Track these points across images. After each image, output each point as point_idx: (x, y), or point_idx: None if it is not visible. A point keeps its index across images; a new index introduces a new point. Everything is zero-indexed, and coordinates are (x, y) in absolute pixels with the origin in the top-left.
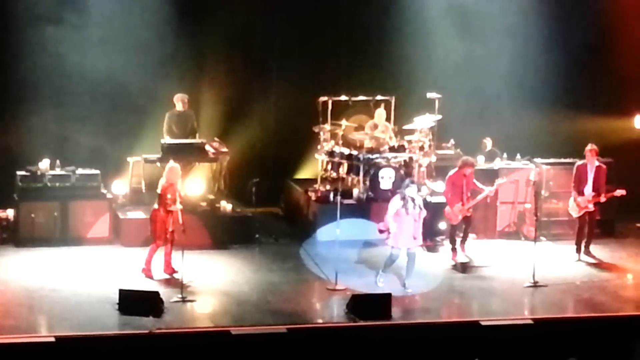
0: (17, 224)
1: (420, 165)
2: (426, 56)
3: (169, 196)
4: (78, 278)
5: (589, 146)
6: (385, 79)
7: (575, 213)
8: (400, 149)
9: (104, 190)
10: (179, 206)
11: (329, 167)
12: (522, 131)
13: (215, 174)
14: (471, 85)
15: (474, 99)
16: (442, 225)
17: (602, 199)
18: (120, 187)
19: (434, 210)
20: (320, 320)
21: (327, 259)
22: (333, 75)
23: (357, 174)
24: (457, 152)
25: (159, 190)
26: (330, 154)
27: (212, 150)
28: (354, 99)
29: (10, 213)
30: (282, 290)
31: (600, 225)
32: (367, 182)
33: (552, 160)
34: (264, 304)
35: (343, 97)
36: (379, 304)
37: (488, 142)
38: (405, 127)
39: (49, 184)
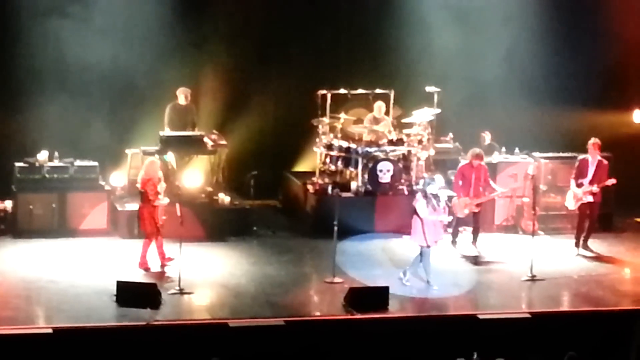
0: (15, 215)
1: (418, 159)
2: (425, 49)
3: (149, 190)
4: (76, 270)
5: (592, 140)
6: (384, 72)
7: (571, 205)
8: (399, 142)
9: (102, 182)
10: (165, 200)
11: (328, 160)
12: (521, 125)
13: (213, 166)
14: (470, 79)
15: (473, 93)
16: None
17: (595, 188)
18: (118, 179)
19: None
20: (317, 313)
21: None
22: (332, 68)
23: (356, 167)
24: (455, 146)
25: (138, 186)
26: (329, 147)
27: (210, 143)
28: (352, 92)
29: (8, 204)
30: (280, 282)
31: (599, 220)
32: (366, 176)
33: (550, 154)
34: (262, 296)
35: (342, 90)
36: (376, 296)
37: (487, 136)
38: (404, 120)
39: (47, 176)
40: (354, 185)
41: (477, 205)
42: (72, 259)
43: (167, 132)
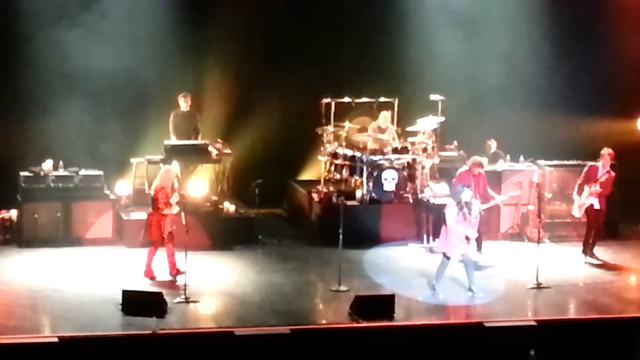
0: (20, 224)
1: (423, 167)
2: (429, 58)
3: (160, 199)
4: (81, 278)
5: (607, 150)
6: (389, 81)
7: (577, 213)
8: (404, 150)
9: (107, 191)
10: (174, 209)
11: (332, 168)
12: (526, 133)
13: (218, 175)
14: (474, 86)
15: (478, 101)
16: None
17: (593, 188)
18: (123, 188)
19: (437, 212)
20: (323, 321)
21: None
22: (336, 77)
23: (360, 176)
24: (460, 154)
25: (151, 192)
26: (334, 155)
27: (215, 152)
28: (357, 100)
29: (13, 214)
30: (285, 291)
31: (604, 227)
32: (370, 184)
33: (555, 162)
34: (267, 304)
35: (346, 99)
36: (382, 304)
37: (492, 144)
38: (409, 129)
39: (52, 185)
40: (358, 193)
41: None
42: (78, 268)
43: (172, 141)
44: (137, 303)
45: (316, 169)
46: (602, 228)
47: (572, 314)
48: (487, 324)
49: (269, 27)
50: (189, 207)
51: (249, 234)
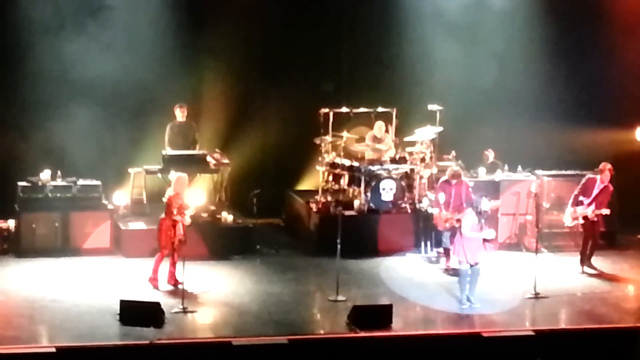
0: (18, 234)
1: (421, 177)
2: (427, 68)
3: (174, 205)
4: (79, 289)
5: (606, 165)
6: (387, 91)
7: (568, 222)
8: (402, 160)
9: (105, 201)
10: (187, 220)
11: (330, 178)
12: (524, 143)
13: (216, 185)
14: (472, 97)
15: (475, 111)
16: (445, 237)
17: (591, 214)
18: (121, 198)
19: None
20: (321, 331)
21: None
22: (334, 87)
23: (359, 186)
24: (458, 164)
25: (165, 200)
26: (332, 165)
27: (213, 162)
28: (355, 110)
29: (11, 223)
30: (283, 301)
31: (602, 237)
32: (369, 194)
33: (553, 172)
34: (265, 314)
35: (344, 109)
36: (380, 314)
37: (490, 154)
38: (407, 139)
39: (50, 195)
40: (356, 203)
41: (457, 220)
42: (75, 278)
43: (170, 151)
44: (134, 313)
45: (314, 179)
46: (598, 238)
47: (570, 324)
48: (485, 334)
49: (267, 38)
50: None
51: (247, 244)
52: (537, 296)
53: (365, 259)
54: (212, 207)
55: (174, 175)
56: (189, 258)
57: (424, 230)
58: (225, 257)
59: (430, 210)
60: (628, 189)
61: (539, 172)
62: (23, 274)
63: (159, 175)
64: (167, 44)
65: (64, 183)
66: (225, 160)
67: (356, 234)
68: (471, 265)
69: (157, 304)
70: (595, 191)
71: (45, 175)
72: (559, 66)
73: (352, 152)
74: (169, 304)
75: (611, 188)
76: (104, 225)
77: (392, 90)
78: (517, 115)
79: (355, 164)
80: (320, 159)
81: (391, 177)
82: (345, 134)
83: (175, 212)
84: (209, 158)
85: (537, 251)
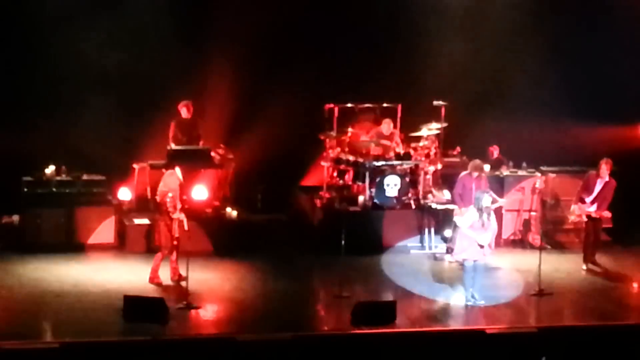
0: (22, 229)
1: (426, 173)
2: (432, 63)
3: (169, 203)
4: (83, 284)
5: (604, 159)
6: (392, 86)
7: (572, 219)
8: (406, 156)
9: (109, 197)
10: (181, 215)
11: (335, 174)
12: (529, 139)
13: (221, 180)
14: (477, 93)
15: (480, 107)
16: (448, 233)
17: (594, 214)
18: (126, 193)
19: (440, 218)
20: (325, 327)
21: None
22: (339, 82)
23: (363, 181)
24: (463, 160)
25: (157, 198)
26: (337, 161)
27: (218, 157)
28: (360, 106)
29: (16, 219)
30: (287, 297)
31: (607, 233)
32: (373, 189)
33: (558, 168)
34: (269, 310)
35: (349, 104)
36: (384, 311)
37: (495, 150)
38: (412, 134)
39: (54, 190)
40: (361, 199)
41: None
42: (80, 274)
43: (174, 146)
44: (138, 309)
45: (319, 175)
46: (600, 234)
47: (573, 320)
48: (488, 331)
49: (273, 33)
50: (191, 212)
51: (252, 239)
52: (541, 293)
53: (370, 255)
54: (217, 203)
55: (178, 171)
56: (193, 254)
57: (429, 226)
58: (230, 252)
59: (435, 206)
60: (631, 185)
61: (544, 168)
62: (27, 270)
63: (164, 170)
64: (171, 40)
65: (68, 178)
66: (230, 156)
67: (360, 229)
68: (474, 262)
69: (161, 300)
70: (597, 188)
71: (50, 170)
72: (565, 62)
73: (357, 148)
74: (173, 300)
75: (614, 182)
76: (108, 220)
77: (397, 86)
78: (521, 112)
79: (360, 159)
80: (325, 154)
81: (396, 173)
82: (350, 129)
83: (171, 210)
84: (213, 153)
85: (541, 247)
